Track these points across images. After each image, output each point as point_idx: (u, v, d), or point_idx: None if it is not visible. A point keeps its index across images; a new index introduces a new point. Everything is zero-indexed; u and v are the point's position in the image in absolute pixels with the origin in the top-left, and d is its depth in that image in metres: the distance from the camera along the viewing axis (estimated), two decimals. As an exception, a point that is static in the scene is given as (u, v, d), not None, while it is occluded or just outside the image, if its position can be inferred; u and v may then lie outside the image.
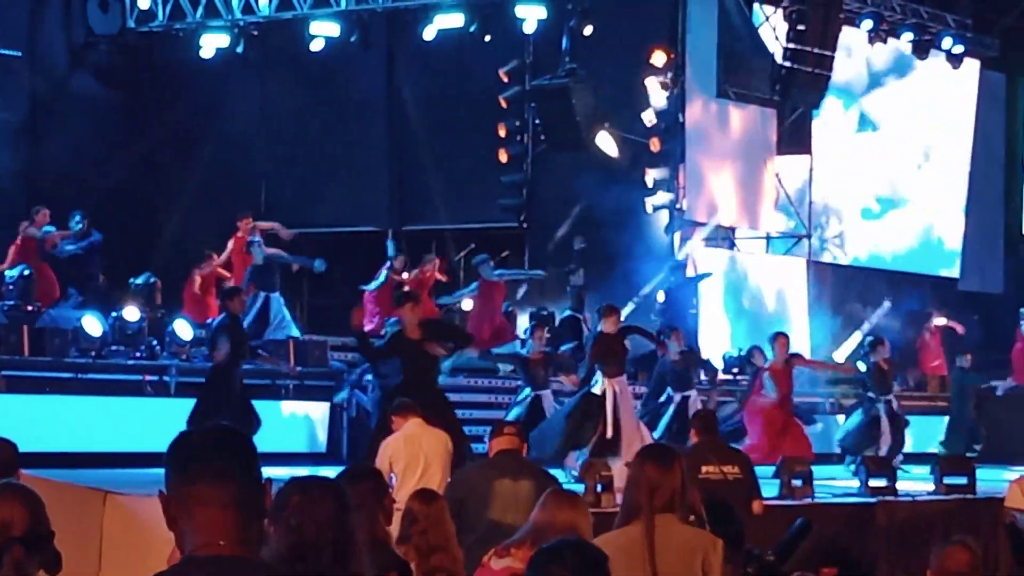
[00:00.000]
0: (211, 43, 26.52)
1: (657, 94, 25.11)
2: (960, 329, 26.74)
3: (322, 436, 20.31)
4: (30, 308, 19.90)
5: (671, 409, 19.42)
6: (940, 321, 27.13)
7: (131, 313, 19.85)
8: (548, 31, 25.26)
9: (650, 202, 25.20)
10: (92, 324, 19.59)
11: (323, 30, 25.95)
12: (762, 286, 26.89)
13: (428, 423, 12.17)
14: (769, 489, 15.50)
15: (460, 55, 26.56)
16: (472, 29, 25.30)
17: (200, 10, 26.47)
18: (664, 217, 25.33)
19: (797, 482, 16.14)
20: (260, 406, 18.01)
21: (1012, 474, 16.21)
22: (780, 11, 25.31)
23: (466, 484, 9.93)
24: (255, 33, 26.62)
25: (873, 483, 16.97)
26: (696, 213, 25.56)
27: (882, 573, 15.34)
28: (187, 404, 18.02)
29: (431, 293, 23.31)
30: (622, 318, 19.40)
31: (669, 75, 25.08)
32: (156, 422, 18.03)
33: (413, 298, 16.52)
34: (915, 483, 18.47)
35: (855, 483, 17.63)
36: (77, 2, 26.85)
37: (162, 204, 26.43)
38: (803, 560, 11.32)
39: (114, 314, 20.02)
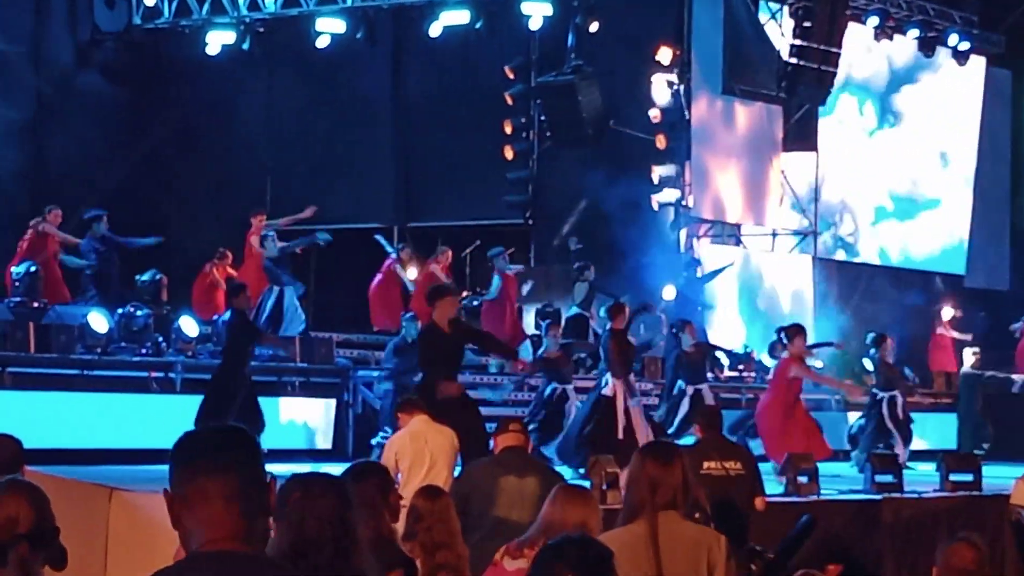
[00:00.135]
0: (217, 40, 26.54)
1: (663, 91, 25.10)
2: (969, 338, 26.73)
3: (327, 433, 20.31)
4: (36, 305, 19.90)
5: (686, 403, 19.40)
6: (949, 314, 27.13)
7: (97, 322, 19.70)
8: (554, 28, 25.29)
9: (656, 199, 25.20)
10: (98, 321, 19.59)
11: (329, 27, 25.97)
12: (769, 283, 26.89)
13: (443, 420, 12.15)
14: (774, 486, 15.49)
15: (466, 52, 26.58)
16: (478, 26, 25.31)
17: (206, 7, 26.49)
18: (670, 214, 25.34)
19: (803, 479, 16.12)
20: (265, 403, 18.04)
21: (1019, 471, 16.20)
22: (786, 8, 25.31)
23: (471, 481, 9.93)
24: (261, 30, 26.63)
25: (879, 480, 16.94)
26: (702, 210, 25.57)
27: (888, 570, 15.31)
28: (193, 401, 18.03)
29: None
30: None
31: (675, 72, 25.07)
32: (162, 419, 18.06)
33: (451, 292, 16.11)
34: (921, 480, 18.44)
35: (861, 479, 17.62)
36: (83, -1, 26.88)
37: (168, 201, 26.45)
38: (808, 557, 11.32)
39: (119, 311, 20.03)
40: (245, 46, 26.47)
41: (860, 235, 29.00)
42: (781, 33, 25.33)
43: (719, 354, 23.40)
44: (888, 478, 17.03)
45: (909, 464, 20.49)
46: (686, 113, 25.23)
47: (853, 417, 22.77)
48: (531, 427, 18.52)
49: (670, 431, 18.83)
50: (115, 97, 26.57)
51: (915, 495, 16.85)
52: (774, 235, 27.73)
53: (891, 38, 27.72)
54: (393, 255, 24.02)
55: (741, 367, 24.48)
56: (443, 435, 11.85)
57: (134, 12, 26.91)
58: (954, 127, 30.15)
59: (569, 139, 25.36)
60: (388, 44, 27.59)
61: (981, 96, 30.25)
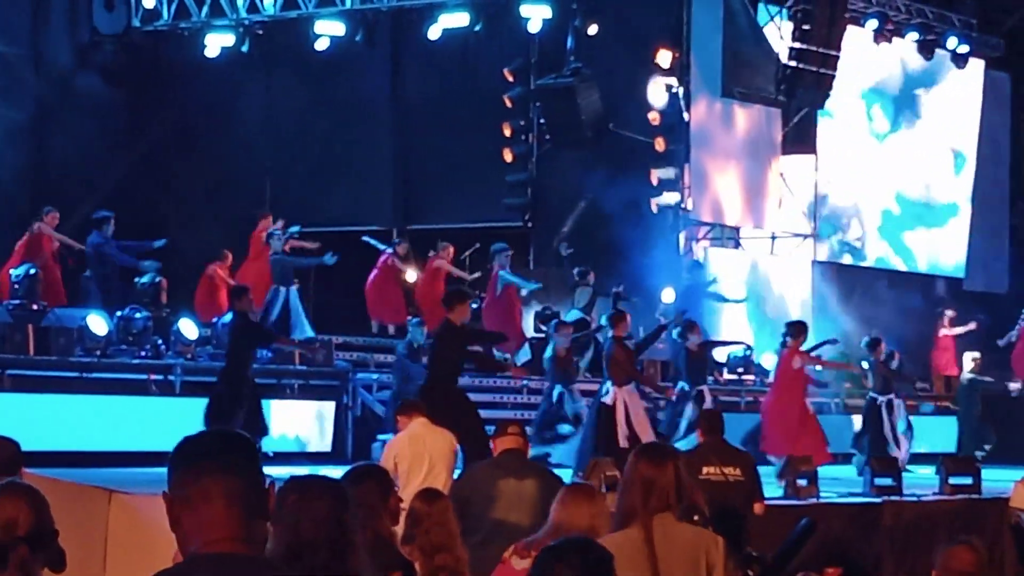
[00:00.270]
0: (216, 42, 26.55)
1: (662, 94, 25.11)
2: (973, 326, 26.79)
3: (326, 435, 20.30)
4: (35, 307, 19.89)
5: (690, 405, 19.33)
6: (951, 315, 27.19)
7: (97, 325, 19.73)
8: (553, 30, 25.29)
9: (655, 201, 25.20)
10: (97, 323, 19.58)
11: (328, 29, 25.97)
12: (768, 285, 26.90)
13: (441, 423, 12.15)
14: (774, 489, 15.49)
15: (465, 54, 26.59)
16: (477, 28, 25.31)
17: (205, 9, 26.49)
18: (669, 216, 25.34)
19: (802, 482, 16.13)
20: (265, 405, 18.01)
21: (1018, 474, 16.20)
22: (785, 11, 25.31)
23: (471, 484, 9.93)
24: (260, 32, 26.64)
25: (879, 483, 16.95)
26: (701, 212, 25.57)
27: (887, 573, 15.32)
28: (192, 403, 18.02)
29: (447, 284, 23.44)
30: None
31: (674, 75, 25.08)
32: (161, 421, 18.05)
33: (469, 298, 16.72)
34: (921, 483, 18.45)
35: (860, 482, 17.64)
36: (82, 1, 26.85)
37: (167, 203, 26.45)
38: (808, 560, 11.32)
39: (118, 314, 20.02)
40: (244, 48, 26.48)
41: (867, 239, 29.02)
42: (780, 36, 25.33)
43: (720, 350, 23.34)
44: (888, 481, 17.04)
45: (909, 467, 20.52)
46: (685, 116, 25.23)
47: (858, 420, 22.74)
48: (548, 434, 18.60)
49: (678, 435, 18.75)
50: (114, 99, 26.57)
51: (915, 498, 16.87)
52: (773, 238, 27.74)
53: (890, 41, 27.73)
54: (389, 250, 24.06)
55: (741, 370, 24.48)
56: (442, 438, 11.85)
57: (133, 14, 26.90)
58: (955, 131, 30.17)
59: (568, 141, 25.37)
60: (387, 47, 27.60)
61: (980, 99, 30.26)
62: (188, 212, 26.31)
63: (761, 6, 25.83)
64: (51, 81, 26.21)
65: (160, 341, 20.10)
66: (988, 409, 24.50)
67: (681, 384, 19.72)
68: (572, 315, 23.47)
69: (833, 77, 24.97)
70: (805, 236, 27.59)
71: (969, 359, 24.70)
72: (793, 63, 24.53)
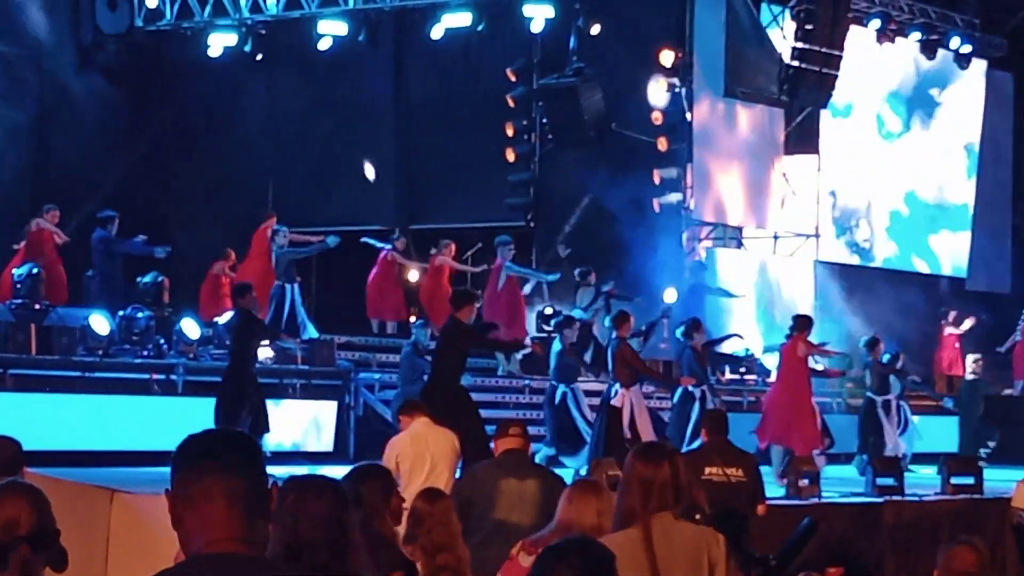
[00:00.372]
0: (219, 42, 26.55)
1: (664, 93, 25.10)
2: (972, 321, 26.85)
3: (329, 435, 20.31)
4: (38, 306, 19.89)
5: (696, 407, 19.28)
6: (954, 314, 27.23)
7: (99, 324, 19.74)
8: (555, 30, 25.29)
9: (657, 201, 25.20)
10: (99, 323, 19.59)
11: (331, 29, 25.97)
12: (771, 285, 26.89)
13: (442, 422, 12.15)
14: (776, 489, 15.49)
15: (467, 54, 26.59)
16: (480, 28, 25.31)
17: (208, 9, 26.48)
18: (672, 216, 25.33)
19: (804, 481, 16.13)
20: (267, 405, 18.01)
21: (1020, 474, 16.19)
22: (788, 11, 25.31)
23: (472, 484, 9.93)
24: (263, 32, 26.63)
25: (880, 483, 16.95)
26: (704, 212, 25.57)
27: (888, 573, 15.32)
28: (194, 403, 18.04)
29: (451, 280, 23.47)
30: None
31: (677, 74, 25.08)
32: (163, 421, 18.05)
33: (476, 299, 16.95)
34: (922, 483, 18.45)
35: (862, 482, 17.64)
36: (85, 1, 26.85)
37: (169, 203, 26.44)
38: (809, 559, 11.30)
39: (121, 313, 20.03)
40: (247, 48, 26.47)
41: (875, 240, 29.03)
42: (783, 36, 25.33)
43: (719, 346, 23.34)
44: (889, 481, 17.04)
45: (911, 467, 20.51)
46: (688, 115, 25.23)
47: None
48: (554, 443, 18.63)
49: (686, 438, 18.70)
50: (117, 99, 26.57)
51: (916, 498, 16.87)
52: (776, 238, 27.73)
53: (892, 41, 27.72)
54: (388, 247, 24.07)
55: (743, 369, 24.48)
56: (444, 438, 11.84)
57: (136, 14, 26.89)
58: (964, 131, 30.18)
59: (571, 141, 25.36)
60: (390, 46, 27.60)
61: (983, 99, 30.26)
62: (190, 212, 26.30)
63: (764, 6, 25.83)
64: (53, 81, 26.21)
65: (162, 341, 20.11)
66: (990, 409, 24.51)
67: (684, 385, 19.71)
68: (575, 315, 23.45)
69: (836, 77, 24.97)
70: (808, 236, 27.58)
71: (971, 360, 24.71)
72: (796, 63, 24.53)
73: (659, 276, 24.31)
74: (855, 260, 28.70)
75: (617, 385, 17.92)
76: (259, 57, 26.65)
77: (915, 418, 22.56)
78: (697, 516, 7.05)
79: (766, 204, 26.48)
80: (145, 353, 19.72)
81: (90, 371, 18.91)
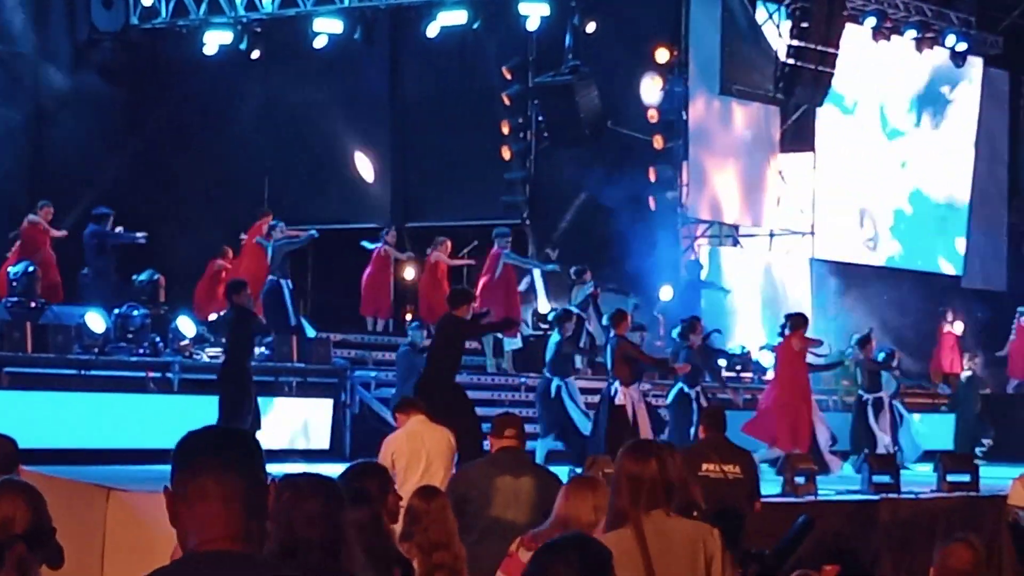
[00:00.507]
0: (214, 40, 26.54)
1: (660, 91, 25.11)
2: (961, 325, 26.92)
3: (325, 433, 20.29)
4: (33, 305, 19.88)
5: (694, 407, 19.24)
6: (952, 315, 27.27)
7: (95, 322, 19.74)
8: (551, 28, 25.28)
9: (653, 199, 25.20)
10: (95, 321, 19.58)
11: (326, 27, 25.97)
12: (766, 283, 26.91)
13: (438, 418, 12.15)
14: (772, 486, 15.49)
15: (463, 52, 26.58)
16: (475, 26, 25.31)
17: (203, 7, 26.48)
18: (667, 214, 25.34)
19: (800, 479, 16.13)
20: (263, 403, 18.01)
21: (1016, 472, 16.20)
22: (783, 8, 25.32)
23: (467, 481, 9.92)
24: (258, 30, 26.62)
25: (876, 480, 16.95)
26: (699, 210, 25.58)
27: (885, 570, 15.31)
28: (190, 401, 18.02)
29: (449, 278, 23.47)
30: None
31: (672, 72, 25.08)
32: (159, 419, 18.04)
33: (472, 297, 17.08)
34: (918, 481, 18.45)
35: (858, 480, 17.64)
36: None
37: (165, 201, 26.42)
38: (805, 557, 11.30)
39: (116, 311, 20.02)
40: (242, 46, 26.47)
41: (876, 238, 29.05)
42: (779, 34, 25.34)
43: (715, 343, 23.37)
44: (885, 478, 17.04)
45: (907, 464, 20.51)
46: (683, 113, 25.25)
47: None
48: (550, 435, 18.61)
49: (690, 440, 18.67)
50: (112, 97, 26.56)
51: (912, 495, 16.86)
52: (772, 235, 27.74)
53: (888, 39, 27.73)
54: (380, 244, 24.08)
55: (739, 367, 24.47)
56: (440, 435, 11.83)
57: (131, 12, 26.89)
58: (952, 127, 30.19)
59: (566, 139, 25.36)
60: (386, 44, 27.58)
61: (978, 97, 30.27)
62: (186, 209, 26.29)
63: (759, 4, 25.85)
64: (49, 79, 26.19)
65: (158, 339, 20.10)
66: (987, 407, 24.52)
67: (680, 386, 19.63)
68: (572, 309, 23.46)
69: (831, 75, 24.98)
70: (803, 234, 27.58)
71: (968, 358, 24.72)
72: (791, 61, 24.53)
73: (655, 274, 24.30)
74: (852, 258, 28.69)
75: (617, 383, 17.90)
76: (255, 55, 26.65)
77: (916, 416, 22.55)
78: (695, 513, 7.04)
79: (762, 202, 26.49)
80: (141, 351, 19.70)
81: (86, 369, 18.90)
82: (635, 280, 24.21)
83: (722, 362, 23.70)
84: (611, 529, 6.14)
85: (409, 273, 25.25)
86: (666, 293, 24.19)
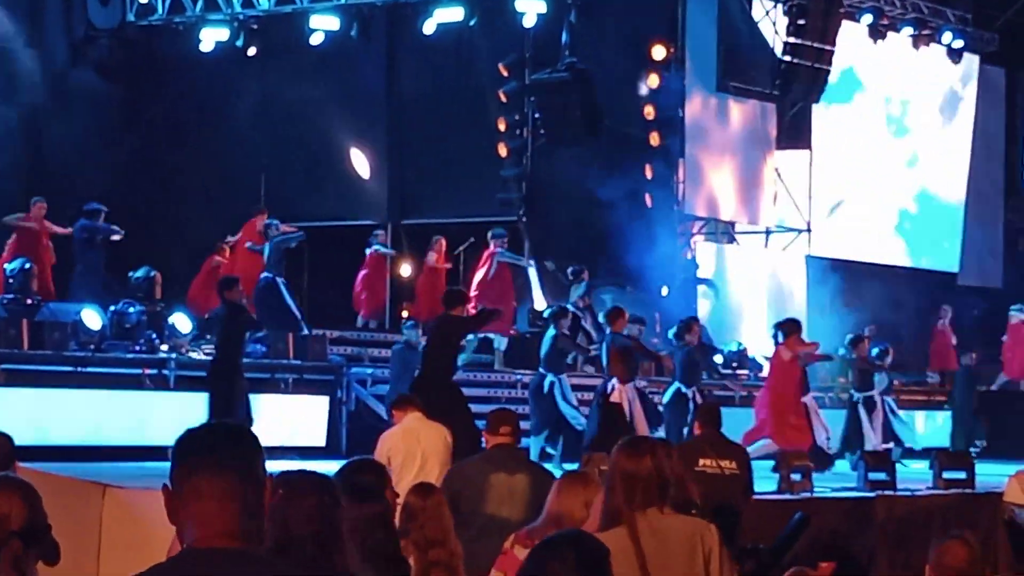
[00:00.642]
0: (211, 37, 26.52)
1: (657, 88, 25.10)
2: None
3: (321, 430, 20.29)
4: (29, 301, 19.88)
5: (691, 407, 19.18)
6: (948, 313, 27.28)
7: (91, 319, 19.75)
8: (548, 25, 25.26)
9: (650, 197, 25.19)
10: (91, 317, 19.57)
11: (323, 24, 25.96)
12: (762, 280, 26.91)
13: (435, 416, 12.15)
14: (768, 483, 15.50)
15: (460, 49, 26.55)
16: (472, 23, 25.29)
17: (200, 4, 26.46)
18: (664, 211, 25.33)
19: (796, 476, 16.13)
20: (259, 400, 18.01)
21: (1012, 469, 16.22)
22: (780, 5, 25.32)
23: (462, 478, 9.93)
24: (255, 27, 26.60)
25: (872, 477, 16.95)
26: (696, 207, 25.58)
27: (881, 568, 15.32)
28: (186, 397, 18.00)
29: (447, 278, 23.47)
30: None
31: (669, 69, 25.08)
32: (155, 416, 18.05)
33: (467, 297, 17.24)
34: (914, 478, 18.46)
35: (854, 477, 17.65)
36: (77, -4, 26.85)
37: (162, 198, 26.42)
38: (801, 554, 11.31)
39: (112, 308, 20.00)
40: (239, 43, 26.45)
41: (871, 235, 29.06)
42: (775, 31, 25.34)
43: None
44: (881, 476, 17.04)
45: (902, 462, 20.51)
46: (680, 110, 25.24)
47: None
48: (544, 433, 18.61)
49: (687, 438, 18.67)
50: (109, 94, 26.54)
51: (908, 493, 16.87)
52: (768, 233, 27.75)
53: (884, 36, 27.73)
54: (371, 248, 24.11)
55: (735, 364, 24.47)
56: (435, 432, 11.84)
57: (128, 9, 26.87)
58: (948, 124, 30.21)
59: (563, 136, 25.34)
60: (382, 41, 27.56)
61: (975, 94, 30.29)
62: (182, 206, 26.29)
63: (756, 0, 25.83)
64: (46, 76, 26.18)
65: (154, 335, 20.09)
66: (983, 404, 24.53)
67: (677, 385, 19.59)
68: (568, 307, 23.45)
69: (828, 72, 24.99)
70: (800, 231, 27.59)
71: (964, 355, 24.73)
72: (788, 58, 24.54)
73: (651, 271, 24.30)
74: (848, 255, 28.69)
75: (613, 380, 17.89)
76: (251, 52, 26.62)
77: (918, 414, 22.54)
78: (693, 511, 7.02)
79: (758, 199, 26.50)
80: (137, 348, 19.69)
81: (82, 366, 18.89)
82: (631, 277, 24.20)
83: (718, 359, 23.72)
84: (606, 528, 6.11)
85: (405, 270, 25.24)
86: (662, 291, 24.19)
